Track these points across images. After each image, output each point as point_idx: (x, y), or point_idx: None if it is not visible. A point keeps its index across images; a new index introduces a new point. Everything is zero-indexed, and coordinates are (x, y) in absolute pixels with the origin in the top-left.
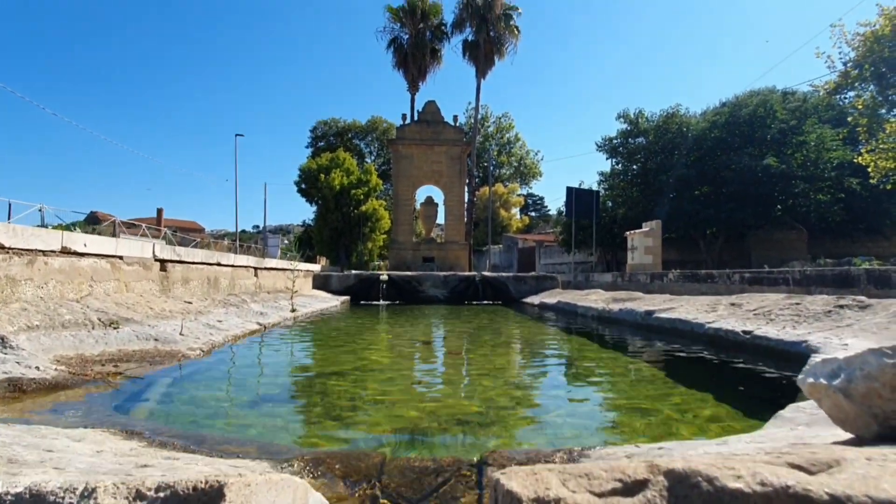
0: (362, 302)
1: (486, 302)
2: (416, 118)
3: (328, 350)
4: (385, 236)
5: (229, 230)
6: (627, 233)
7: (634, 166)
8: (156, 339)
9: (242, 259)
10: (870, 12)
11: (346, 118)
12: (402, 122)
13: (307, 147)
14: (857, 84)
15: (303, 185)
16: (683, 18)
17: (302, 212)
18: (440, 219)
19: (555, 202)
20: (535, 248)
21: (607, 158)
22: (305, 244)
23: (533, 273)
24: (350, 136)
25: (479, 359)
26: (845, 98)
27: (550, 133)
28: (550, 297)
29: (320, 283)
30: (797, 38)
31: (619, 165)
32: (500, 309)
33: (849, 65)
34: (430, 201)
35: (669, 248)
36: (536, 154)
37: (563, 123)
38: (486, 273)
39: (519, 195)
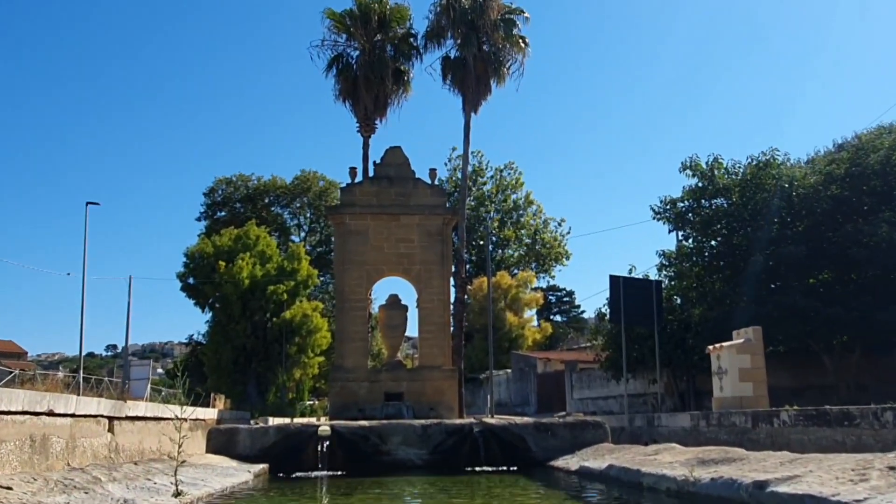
0: (290, 475)
1: (490, 469)
2: (371, 173)
3: None
4: (322, 359)
5: (68, 354)
6: (710, 348)
7: (713, 241)
8: None
9: (91, 404)
10: None
11: (260, 174)
12: (350, 181)
13: (199, 220)
14: None
15: (190, 280)
16: (756, 27)
17: (189, 322)
18: (412, 330)
19: (590, 299)
20: (565, 374)
21: (671, 231)
22: (193, 373)
23: (564, 416)
24: (267, 201)
25: None
26: None
27: (579, 194)
28: (596, 459)
29: (221, 442)
30: None
31: (690, 240)
32: (515, 481)
33: None
34: (394, 303)
35: (776, 367)
36: (559, 226)
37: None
38: (488, 419)
39: (535, 290)
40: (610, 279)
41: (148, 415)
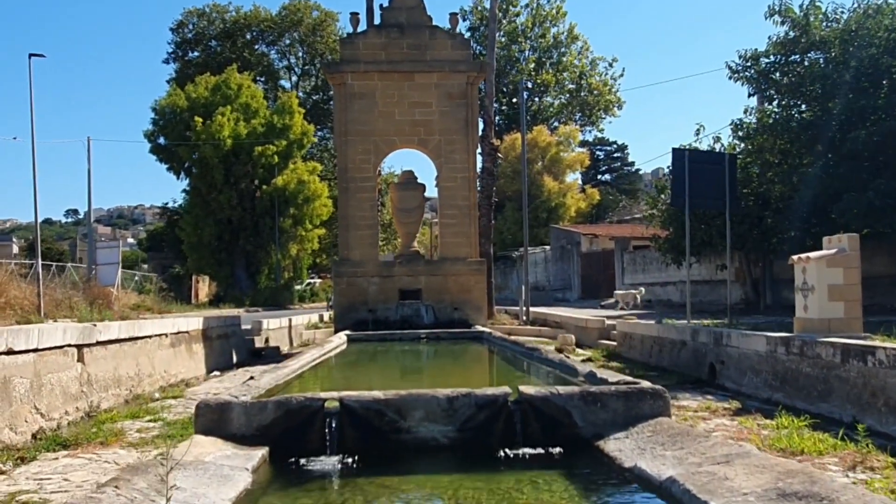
0: (294, 462)
1: (528, 451)
2: (378, 20)
3: None
4: (323, 231)
5: (22, 222)
6: (794, 258)
7: (804, 106)
8: None
9: (55, 334)
10: None
11: (239, 3)
12: (351, 31)
13: (168, 62)
14: None
15: (161, 140)
16: None
17: (164, 188)
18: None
19: (647, 158)
20: (614, 254)
21: (751, 94)
22: (170, 249)
23: (618, 384)
24: (249, 37)
25: None
26: None
27: (634, 33)
28: (654, 451)
29: (211, 420)
30: None
31: (775, 104)
32: (558, 475)
33: None
34: (409, 181)
35: (874, 251)
36: (610, 67)
37: (659, 16)
38: (526, 389)
39: (581, 150)
40: (673, 153)
41: (122, 336)
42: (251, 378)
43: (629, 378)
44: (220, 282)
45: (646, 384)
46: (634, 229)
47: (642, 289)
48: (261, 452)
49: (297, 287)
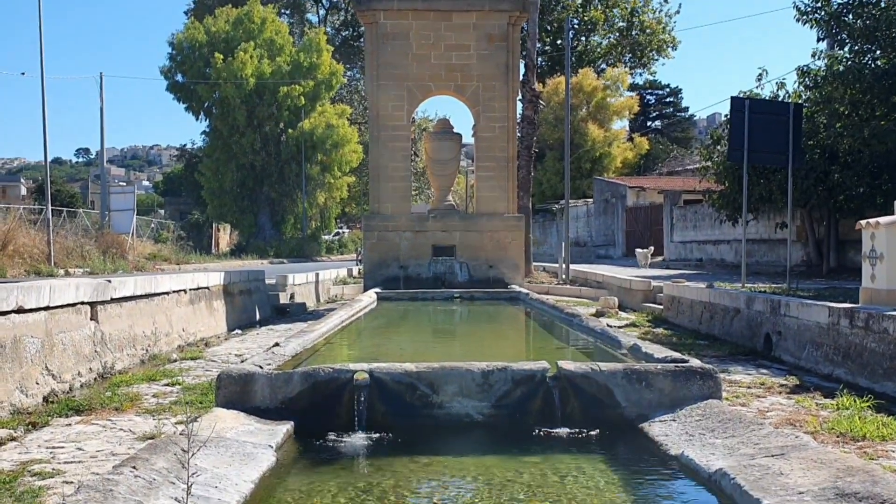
0: (321, 438)
1: (566, 431)
2: None
3: None
4: (353, 178)
5: (30, 161)
6: (863, 223)
7: (878, 52)
8: None
9: (68, 291)
10: None
11: None
12: None
13: None
14: None
15: (178, 78)
16: None
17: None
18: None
19: (702, 104)
20: (663, 208)
21: (821, 38)
22: (189, 195)
23: (665, 361)
24: None
25: None
26: None
27: None
28: (702, 438)
29: (233, 392)
30: None
31: (847, 50)
32: (599, 460)
33: None
34: (444, 130)
35: None
36: (665, 2)
37: None
38: (566, 364)
39: (629, 94)
40: (731, 102)
41: (138, 292)
42: (276, 344)
43: (677, 355)
44: (242, 231)
45: (695, 362)
46: (686, 182)
47: (652, 248)
48: (285, 427)
49: (325, 238)
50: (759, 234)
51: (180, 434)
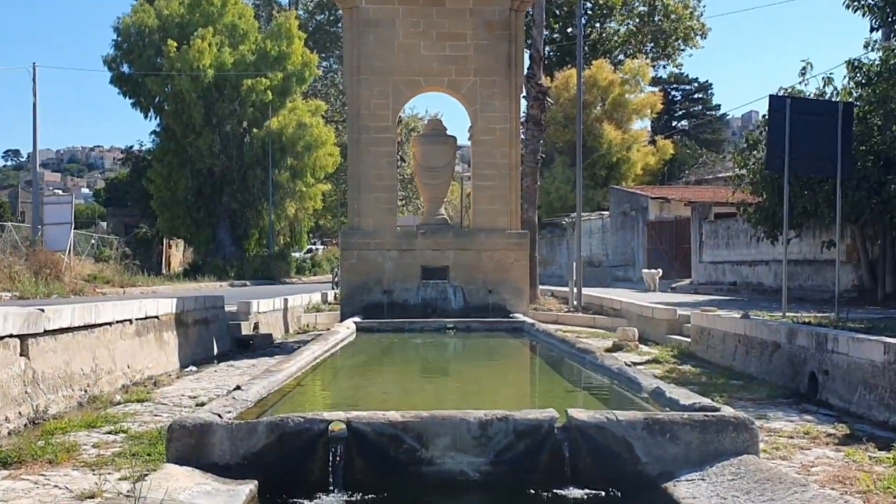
0: (287, 502)
1: (577, 493)
2: None
3: None
4: (328, 186)
5: None
6: None
7: None
8: None
9: None
10: None
11: None
12: None
13: None
14: None
15: (124, 70)
16: None
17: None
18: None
19: (736, 101)
20: (691, 223)
21: (875, 27)
22: (137, 204)
23: (693, 409)
24: None
25: None
26: None
27: None
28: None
29: (187, 446)
30: None
31: None
32: None
33: None
34: (435, 132)
35: None
36: None
37: None
38: (577, 413)
39: (652, 90)
40: (770, 102)
41: (76, 323)
42: (237, 387)
43: (706, 401)
44: (197, 247)
45: (728, 411)
46: (717, 193)
47: (660, 269)
48: (248, 488)
49: (295, 256)
50: (802, 255)
51: (126, 495)
